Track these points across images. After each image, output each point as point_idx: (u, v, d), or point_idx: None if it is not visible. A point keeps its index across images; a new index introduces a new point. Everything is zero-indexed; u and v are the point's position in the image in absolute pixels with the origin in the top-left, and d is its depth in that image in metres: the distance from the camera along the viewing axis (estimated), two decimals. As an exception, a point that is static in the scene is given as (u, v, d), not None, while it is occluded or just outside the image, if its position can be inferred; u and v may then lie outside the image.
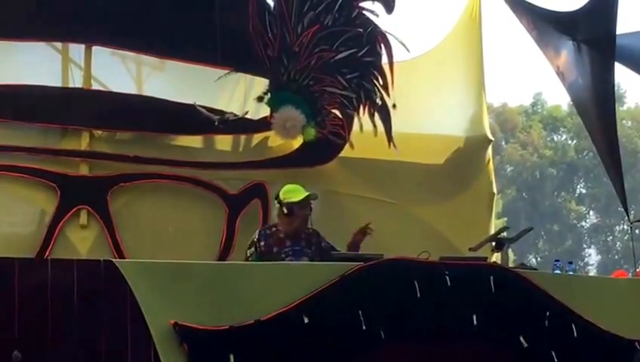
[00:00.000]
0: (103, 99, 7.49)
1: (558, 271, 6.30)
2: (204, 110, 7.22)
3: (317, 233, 6.39)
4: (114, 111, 7.40)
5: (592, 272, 32.78)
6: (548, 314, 5.80)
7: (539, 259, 35.50)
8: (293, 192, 6.33)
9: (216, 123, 7.20)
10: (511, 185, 38.09)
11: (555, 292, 5.86)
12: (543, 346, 5.75)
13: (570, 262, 6.48)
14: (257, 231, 6.40)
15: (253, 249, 6.25)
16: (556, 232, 38.10)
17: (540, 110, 41.23)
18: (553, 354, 5.76)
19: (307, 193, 6.33)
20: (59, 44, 7.50)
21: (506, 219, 27.54)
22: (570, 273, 6.39)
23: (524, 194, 38.34)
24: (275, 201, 6.45)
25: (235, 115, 7.37)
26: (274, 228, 6.33)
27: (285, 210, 6.29)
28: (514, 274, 5.88)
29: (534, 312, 5.79)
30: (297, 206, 6.27)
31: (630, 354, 6.01)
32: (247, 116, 7.74)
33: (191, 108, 7.31)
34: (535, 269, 6.44)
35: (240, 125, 7.60)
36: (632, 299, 6.25)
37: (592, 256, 38.68)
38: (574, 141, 39.06)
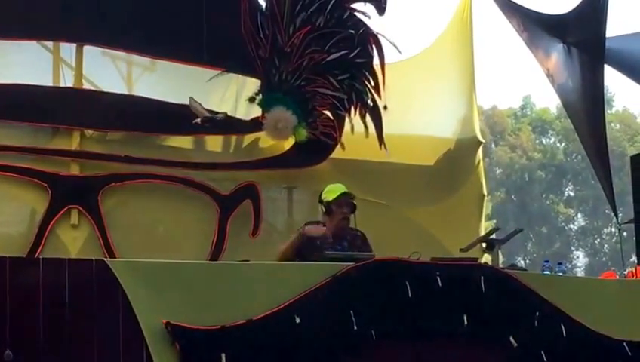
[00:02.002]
0: (93, 98, 7.48)
1: (548, 272, 6.33)
2: (199, 105, 7.23)
3: (363, 236, 6.37)
4: (105, 110, 7.39)
5: (580, 274, 32.84)
6: (538, 314, 5.82)
7: (527, 261, 35.56)
8: (331, 191, 6.36)
9: (199, 121, 7.21)
10: (500, 188, 38.15)
11: (544, 292, 5.88)
12: (533, 346, 5.77)
13: (560, 263, 6.51)
14: (304, 223, 6.38)
15: (297, 234, 6.20)
16: (544, 234, 38.19)
17: (529, 113, 41.33)
18: (543, 354, 5.78)
19: (343, 190, 6.32)
20: (49, 44, 7.49)
21: (494, 221, 27.60)
22: (560, 274, 6.42)
23: (512, 197, 38.41)
24: (319, 203, 6.45)
25: (216, 115, 7.36)
26: (319, 224, 6.29)
27: (324, 209, 6.32)
28: (504, 275, 5.90)
29: (524, 312, 5.81)
30: (334, 204, 6.27)
31: (619, 354, 6.03)
32: (239, 117, 7.76)
33: (182, 108, 7.32)
34: (525, 270, 6.45)
35: (231, 126, 7.62)
36: (620, 299, 6.28)
37: (580, 259, 38.78)
38: (563, 144, 39.17)
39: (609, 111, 37.89)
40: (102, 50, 7.59)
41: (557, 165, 38.59)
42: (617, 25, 9.29)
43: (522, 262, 34.79)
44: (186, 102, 7.43)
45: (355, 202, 6.37)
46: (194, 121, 7.27)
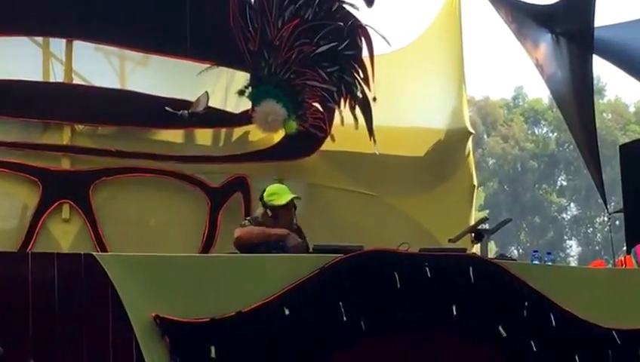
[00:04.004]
0: (84, 93, 7.48)
1: (537, 262, 6.35)
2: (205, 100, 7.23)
3: (300, 229, 6.32)
4: (95, 105, 7.40)
5: (573, 263, 32.94)
6: (527, 304, 5.83)
7: (520, 250, 35.66)
8: (277, 195, 6.21)
9: (180, 113, 7.22)
10: (493, 178, 38.24)
11: (533, 282, 5.90)
12: (522, 335, 5.80)
13: (549, 253, 6.52)
14: (250, 217, 6.34)
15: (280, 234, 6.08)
16: (537, 224, 38.28)
17: (521, 103, 41.40)
18: (532, 343, 5.81)
19: (292, 195, 6.23)
20: (39, 39, 7.49)
21: (487, 211, 27.66)
22: (549, 263, 6.44)
23: (505, 187, 38.49)
24: (260, 203, 6.33)
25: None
26: (259, 220, 6.22)
27: (270, 213, 6.17)
28: (493, 265, 5.92)
29: (513, 302, 5.83)
30: (282, 208, 6.18)
31: (608, 342, 6.06)
32: (229, 110, 7.78)
33: (173, 102, 7.34)
34: (514, 260, 6.48)
35: (221, 119, 7.63)
36: (609, 288, 6.31)
37: (573, 248, 38.92)
38: (555, 134, 39.23)
39: (601, 101, 37.99)
40: (94, 46, 7.58)
41: (549, 155, 38.67)
42: (606, 14, 9.32)
43: (515, 251, 34.91)
44: (178, 95, 7.45)
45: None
46: (180, 112, 7.24)
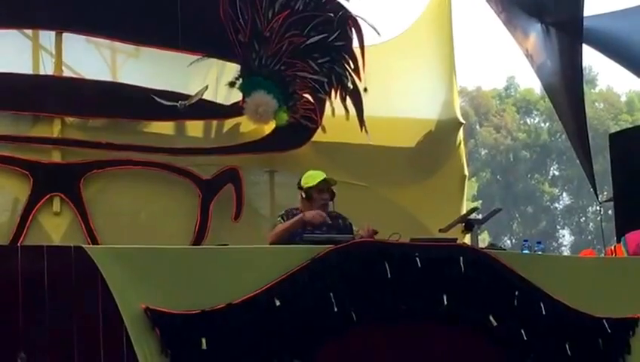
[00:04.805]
0: (74, 86, 7.47)
1: (527, 251, 6.36)
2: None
3: (341, 215, 6.34)
4: (85, 98, 7.39)
5: (566, 253, 33.02)
6: (517, 293, 5.83)
7: (513, 240, 35.71)
8: (311, 177, 6.28)
9: (179, 105, 7.22)
10: (485, 168, 38.26)
11: (524, 271, 5.91)
12: (513, 325, 5.81)
13: (539, 242, 6.53)
14: (284, 210, 6.37)
15: (297, 219, 6.12)
16: (530, 214, 38.34)
17: (513, 93, 41.40)
18: (522, 332, 5.82)
19: (324, 176, 6.28)
20: (29, 31, 7.47)
21: (480, 201, 27.70)
22: (539, 253, 6.45)
23: (498, 177, 38.52)
24: (298, 189, 6.37)
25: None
26: (297, 211, 6.25)
27: (304, 195, 6.24)
28: (483, 255, 5.92)
29: (504, 292, 5.83)
30: (314, 189, 6.22)
31: (598, 331, 6.08)
32: (220, 101, 7.77)
33: (163, 94, 7.33)
34: (504, 249, 6.49)
35: (212, 110, 7.63)
36: (599, 277, 6.32)
37: (566, 237, 38.97)
38: (547, 124, 39.25)
39: (593, 90, 38.03)
40: (86, 38, 7.57)
41: (541, 145, 38.70)
42: (595, 4, 9.33)
43: (508, 241, 34.95)
44: (168, 87, 7.45)
45: (334, 189, 6.36)
46: (179, 104, 7.25)
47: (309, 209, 6.19)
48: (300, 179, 6.35)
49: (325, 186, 6.28)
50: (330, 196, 6.31)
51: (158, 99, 7.14)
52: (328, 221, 6.15)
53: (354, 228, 6.21)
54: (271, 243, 6.06)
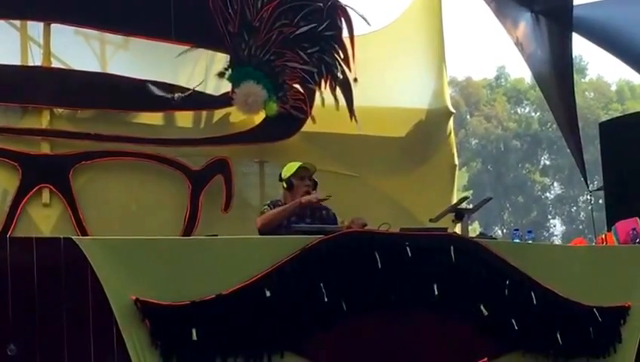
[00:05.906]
0: (62, 77, 7.44)
1: (518, 240, 6.37)
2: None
3: (324, 206, 6.37)
4: (74, 88, 7.36)
5: (557, 242, 33.10)
6: (508, 282, 5.86)
7: (504, 230, 35.79)
8: (289, 168, 6.40)
9: (174, 97, 7.20)
10: (476, 158, 38.34)
11: (514, 260, 5.92)
12: (503, 314, 5.82)
13: (530, 231, 6.55)
14: (269, 200, 6.42)
15: (267, 207, 6.26)
16: (521, 204, 38.43)
17: (503, 83, 41.46)
18: (513, 321, 5.83)
19: (301, 164, 6.36)
20: (17, 22, 7.43)
21: (471, 191, 27.74)
22: (530, 241, 6.47)
23: (489, 167, 38.60)
24: (279, 181, 6.48)
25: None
26: (280, 203, 6.32)
27: (285, 185, 6.35)
28: (474, 244, 5.93)
29: (494, 281, 5.85)
30: (295, 177, 6.31)
31: (589, 320, 6.09)
32: (209, 92, 7.75)
33: (152, 85, 7.31)
34: (494, 238, 6.50)
35: (201, 101, 7.61)
36: (590, 266, 6.34)
37: (557, 227, 39.09)
38: (538, 113, 39.33)
39: (583, 80, 38.11)
40: (74, 29, 7.53)
41: (532, 134, 38.78)
42: (586, -8, 9.32)
43: (499, 231, 35.03)
44: (157, 78, 7.43)
45: (315, 179, 6.38)
46: (175, 96, 7.25)
47: (291, 200, 6.21)
48: (280, 174, 6.43)
49: (305, 173, 6.34)
50: (312, 184, 6.33)
51: (152, 88, 7.12)
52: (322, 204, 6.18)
53: (337, 219, 6.23)
54: (260, 226, 6.10)
